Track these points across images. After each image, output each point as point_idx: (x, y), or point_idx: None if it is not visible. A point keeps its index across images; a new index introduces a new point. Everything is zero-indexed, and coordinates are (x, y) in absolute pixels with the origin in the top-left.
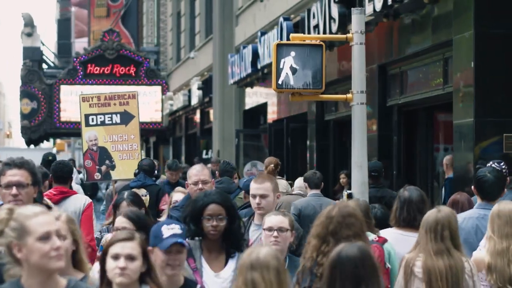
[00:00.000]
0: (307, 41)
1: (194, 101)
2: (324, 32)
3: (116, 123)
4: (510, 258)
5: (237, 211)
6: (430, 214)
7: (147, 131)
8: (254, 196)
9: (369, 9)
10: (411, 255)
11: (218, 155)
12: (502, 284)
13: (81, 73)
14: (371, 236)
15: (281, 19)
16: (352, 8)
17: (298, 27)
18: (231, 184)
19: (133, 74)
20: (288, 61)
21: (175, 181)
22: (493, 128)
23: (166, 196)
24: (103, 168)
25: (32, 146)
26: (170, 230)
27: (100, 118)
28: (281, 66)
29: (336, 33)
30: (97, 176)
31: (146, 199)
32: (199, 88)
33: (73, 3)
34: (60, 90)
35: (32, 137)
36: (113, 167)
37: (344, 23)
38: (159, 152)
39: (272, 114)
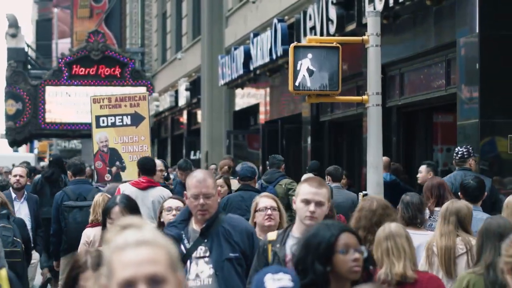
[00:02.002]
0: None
1: (182, 102)
2: (322, 34)
3: (126, 125)
4: None
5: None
6: (445, 204)
7: None
8: (308, 202)
9: (369, 10)
10: (431, 238)
11: (206, 156)
12: None
13: (66, 74)
14: None
15: (275, 20)
16: (367, 11)
17: (293, 29)
18: (274, 174)
19: (118, 75)
20: (305, 63)
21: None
22: (497, 129)
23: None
24: (114, 169)
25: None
26: (276, 281)
27: (111, 119)
28: (298, 68)
29: (334, 35)
30: (108, 177)
31: None
32: (187, 89)
33: (54, 4)
34: (45, 91)
35: (17, 138)
36: (123, 168)
37: (342, 24)
38: None
39: (264, 115)
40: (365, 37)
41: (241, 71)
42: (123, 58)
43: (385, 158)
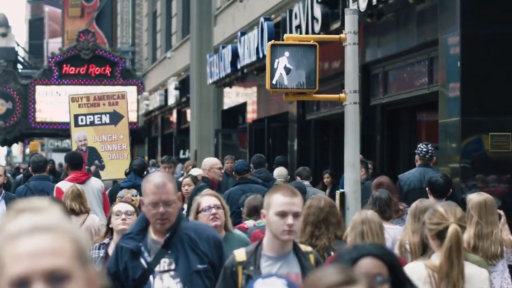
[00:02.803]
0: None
1: (171, 101)
2: (307, 32)
3: (105, 123)
4: (493, 239)
5: (405, 272)
6: (414, 203)
7: None
8: (284, 214)
9: (352, 8)
10: (402, 237)
11: (195, 155)
12: (484, 259)
13: (57, 73)
14: (252, 223)
15: (261, 19)
16: (345, 9)
17: (279, 27)
18: (268, 173)
19: (109, 74)
20: (282, 61)
21: None
22: (478, 127)
23: None
24: (93, 168)
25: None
26: (268, 286)
27: (90, 118)
28: (275, 66)
29: (319, 33)
30: None
31: (136, 199)
32: (176, 88)
33: (46, 2)
34: (36, 90)
35: (7, 137)
36: (102, 167)
37: (327, 23)
38: (134, 152)
39: (251, 114)
40: (342, 35)
41: (228, 70)
42: (113, 57)
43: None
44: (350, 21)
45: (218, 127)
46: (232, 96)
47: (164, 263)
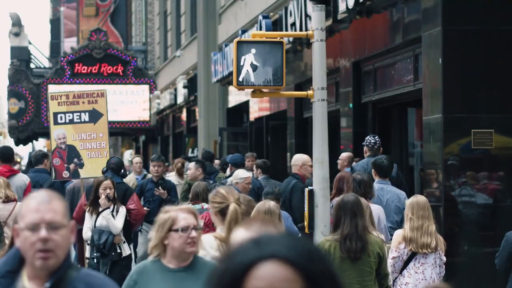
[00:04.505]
0: (266, 38)
1: (180, 99)
2: (301, 30)
3: (84, 121)
4: (423, 232)
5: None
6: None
7: (135, 130)
8: None
9: (342, 6)
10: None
11: (203, 154)
12: (416, 249)
13: (69, 72)
14: (205, 206)
15: (260, 17)
16: (312, 5)
17: (277, 25)
18: (211, 167)
19: (121, 73)
20: (249, 58)
21: (157, 174)
22: (461, 124)
23: (134, 195)
24: (72, 166)
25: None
26: None
27: (69, 116)
28: (241, 63)
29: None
30: (66, 174)
31: None
32: (184, 87)
33: (62, 2)
34: (48, 89)
35: (20, 136)
36: (81, 165)
37: None
38: (148, 151)
39: (254, 112)
40: (310, 32)
41: (231, 68)
42: (125, 56)
43: (349, 154)
44: (318, 18)
45: (223, 125)
46: (236, 95)
47: None
